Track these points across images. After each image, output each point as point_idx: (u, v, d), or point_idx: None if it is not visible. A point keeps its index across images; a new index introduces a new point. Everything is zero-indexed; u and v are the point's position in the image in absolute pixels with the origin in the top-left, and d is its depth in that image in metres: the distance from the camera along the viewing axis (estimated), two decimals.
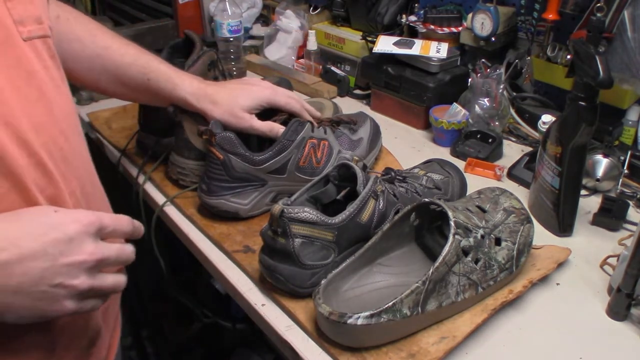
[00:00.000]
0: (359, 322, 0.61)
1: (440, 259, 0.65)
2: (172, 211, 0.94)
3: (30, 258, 0.48)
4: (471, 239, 0.68)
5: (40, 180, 0.55)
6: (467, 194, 0.86)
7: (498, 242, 0.72)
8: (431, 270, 0.65)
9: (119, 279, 0.57)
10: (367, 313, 0.62)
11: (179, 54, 1.07)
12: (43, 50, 0.59)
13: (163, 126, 1.00)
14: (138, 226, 0.60)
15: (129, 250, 0.57)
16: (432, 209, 0.74)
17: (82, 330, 0.65)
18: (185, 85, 0.85)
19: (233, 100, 0.85)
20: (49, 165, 0.56)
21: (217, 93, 0.85)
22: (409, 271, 0.74)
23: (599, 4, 0.95)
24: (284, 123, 0.88)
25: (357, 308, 0.63)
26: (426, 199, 0.73)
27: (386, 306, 0.62)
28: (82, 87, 1.12)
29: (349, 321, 0.61)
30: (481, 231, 0.70)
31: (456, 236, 0.67)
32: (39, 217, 0.51)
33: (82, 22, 0.83)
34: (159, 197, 0.97)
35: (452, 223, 0.67)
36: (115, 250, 0.55)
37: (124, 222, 0.57)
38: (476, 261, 0.69)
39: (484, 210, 0.75)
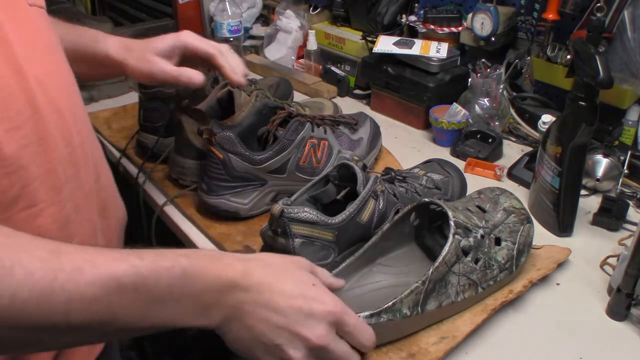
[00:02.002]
0: None
1: (440, 259, 0.65)
2: (172, 211, 0.94)
3: (273, 311, 0.51)
4: (471, 239, 0.68)
5: (57, 122, 0.59)
6: (467, 194, 0.86)
7: (498, 241, 0.72)
8: (431, 270, 0.65)
9: None
10: (366, 313, 0.61)
11: None
12: (43, 18, 0.63)
13: (163, 126, 1.00)
14: (372, 345, 0.58)
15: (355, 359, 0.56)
16: (432, 209, 0.74)
17: None
18: (109, 40, 0.83)
19: (147, 45, 0.82)
20: (63, 110, 0.60)
21: (135, 42, 0.83)
22: (409, 271, 0.74)
23: (599, 4, 0.95)
24: (284, 123, 0.88)
25: (357, 308, 0.63)
26: (426, 199, 0.73)
27: (386, 306, 0.62)
28: None
29: None
30: (481, 231, 0.70)
31: (456, 236, 0.67)
32: (299, 283, 0.54)
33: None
34: (159, 197, 0.97)
35: (451, 223, 0.67)
36: (341, 350, 0.54)
37: (366, 333, 0.57)
38: (476, 261, 0.69)
39: (483, 210, 0.75)
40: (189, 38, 0.83)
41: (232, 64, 0.85)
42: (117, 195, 0.77)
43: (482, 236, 0.70)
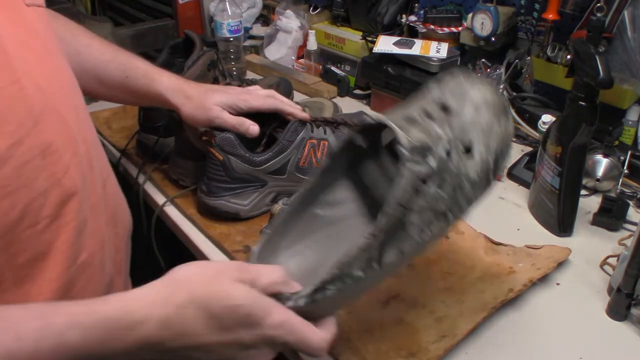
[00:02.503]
0: (301, 302, 0.52)
1: (391, 202, 0.50)
2: (172, 211, 0.94)
3: (204, 352, 0.49)
4: (432, 161, 0.52)
5: (61, 131, 0.57)
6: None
7: (468, 151, 0.55)
8: (382, 222, 0.51)
9: None
10: (307, 291, 0.51)
11: (179, 54, 1.07)
12: (43, 18, 0.61)
13: (163, 126, 1.00)
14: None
15: None
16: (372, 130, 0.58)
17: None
18: (163, 80, 0.84)
19: (206, 94, 0.83)
20: (66, 117, 0.58)
21: (193, 89, 0.84)
22: (354, 214, 0.63)
23: (599, 4, 0.95)
24: (284, 124, 0.88)
25: (304, 271, 0.56)
26: (368, 120, 0.57)
27: (330, 277, 0.51)
28: None
29: (289, 304, 0.52)
30: (445, 145, 0.53)
31: (410, 165, 0.51)
32: (227, 323, 0.49)
33: (62, 21, 0.83)
34: (159, 197, 0.97)
35: (403, 152, 0.51)
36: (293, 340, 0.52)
37: (312, 344, 0.53)
38: (442, 186, 0.53)
39: (447, 110, 0.56)
40: (254, 102, 0.85)
41: (294, 107, 0.88)
42: (124, 201, 0.75)
43: (448, 152, 0.53)
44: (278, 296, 0.52)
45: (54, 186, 0.56)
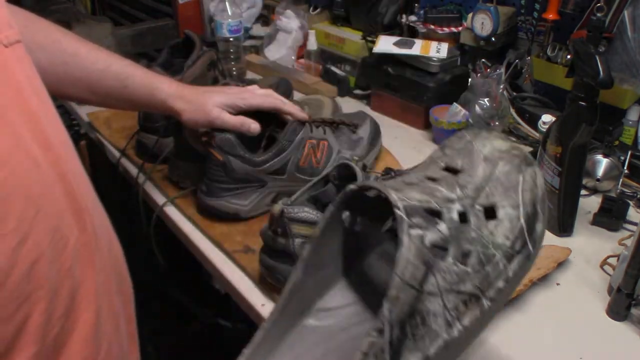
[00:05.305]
0: None
1: (395, 280, 0.38)
2: (172, 211, 0.94)
3: None
4: (442, 226, 0.42)
5: (69, 207, 0.49)
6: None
7: (491, 212, 0.45)
8: (386, 307, 0.38)
9: None
10: None
11: (179, 54, 1.07)
12: (24, 56, 0.50)
13: (163, 126, 1.00)
14: None
15: None
16: (368, 198, 0.47)
17: None
18: (164, 88, 0.83)
19: (205, 96, 0.83)
20: (72, 187, 0.50)
21: (192, 94, 0.83)
22: (357, 321, 0.49)
23: (599, 4, 0.95)
24: (283, 125, 0.88)
25: None
26: (353, 185, 0.45)
27: None
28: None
29: None
30: (457, 206, 0.43)
31: (413, 231, 0.40)
32: None
33: (42, 27, 0.75)
34: (159, 197, 0.97)
35: (398, 212, 0.40)
36: None
37: None
38: (464, 257, 0.42)
39: (455, 171, 0.47)
40: (253, 100, 0.84)
41: (292, 107, 0.88)
42: (122, 254, 0.62)
43: (463, 214, 0.43)
44: None
45: (64, 279, 0.47)
